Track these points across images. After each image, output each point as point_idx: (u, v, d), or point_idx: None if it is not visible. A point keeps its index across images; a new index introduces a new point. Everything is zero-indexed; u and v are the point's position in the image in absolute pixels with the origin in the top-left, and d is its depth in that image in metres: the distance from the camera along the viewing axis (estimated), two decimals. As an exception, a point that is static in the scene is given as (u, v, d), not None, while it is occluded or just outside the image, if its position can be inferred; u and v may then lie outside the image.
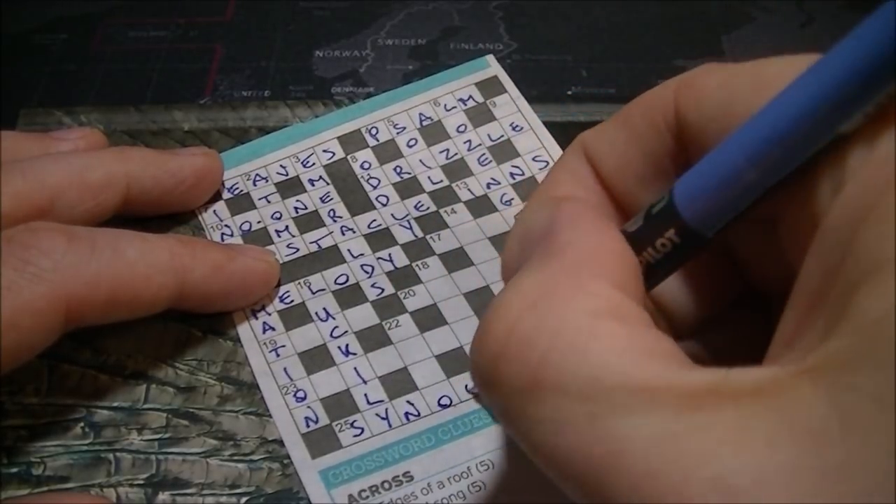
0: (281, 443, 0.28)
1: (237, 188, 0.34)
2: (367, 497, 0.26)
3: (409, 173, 0.34)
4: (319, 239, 0.33)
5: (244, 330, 0.30)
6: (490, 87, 0.36)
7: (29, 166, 0.28)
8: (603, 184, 0.22)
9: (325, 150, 0.35)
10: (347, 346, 0.30)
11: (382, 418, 0.28)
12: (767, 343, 0.18)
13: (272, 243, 0.32)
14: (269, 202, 0.34)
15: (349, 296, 0.31)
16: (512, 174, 0.34)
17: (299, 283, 0.31)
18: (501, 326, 0.18)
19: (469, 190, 0.34)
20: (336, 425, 0.28)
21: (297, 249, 0.32)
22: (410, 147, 0.35)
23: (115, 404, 0.29)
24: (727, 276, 0.23)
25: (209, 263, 0.28)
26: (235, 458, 0.28)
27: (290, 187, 0.34)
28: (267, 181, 0.34)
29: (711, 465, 0.14)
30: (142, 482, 0.27)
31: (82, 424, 0.28)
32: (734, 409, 0.15)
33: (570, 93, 0.38)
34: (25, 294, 0.24)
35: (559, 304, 0.17)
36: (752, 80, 0.19)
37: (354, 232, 0.33)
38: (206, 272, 0.28)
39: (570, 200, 0.21)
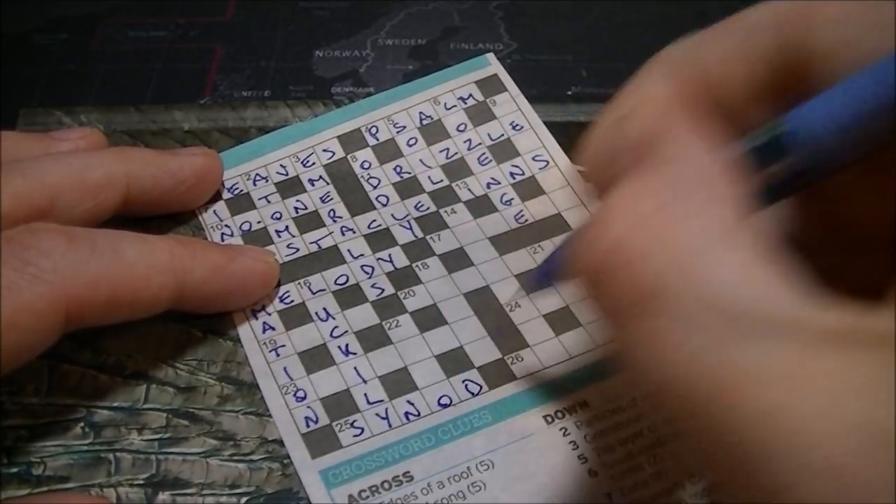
0: (281, 443, 0.28)
1: (237, 188, 0.34)
2: (368, 497, 0.26)
3: (409, 173, 0.34)
4: (319, 239, 0.33)
5: (244, 330, 0.30)
6: (490, 86, 0.36)
7: (29, 166, 0.28)
8: (699, 97, 0.21)
9: (325, 150, 0.35)
10: (347, 345, 0.30)
11: (382, 418, 0.28)
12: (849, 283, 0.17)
13: (272, 243, 0.32)
14: (269, 202, 0.34)
15: (349, 296, 0.31)
16: (512, 174, 0.34)
17: (299, 283, 0.31)
18: (607, 239, 0.18)
19: (469, 190, 0.34)
20: (336, 425, 0.28)
21: (297, 249, 0.32)
22: (410, 146, 0.35)
23: (115, 404, 0.29)
24: (819, 211, 0.22)
25: (209, 264, 0.28)
26: (235, 458, 0.28)
27: (289, 187, 0.34)
28: (267, 181, 0.34)
29: (851, 408, 0.14)
30: (142, 482, 0.27)
31: (82, 424, 0.28)
32: (875, 354, 0.15)
33: (570, 93, 0.38)
34: (25, 295, 0.24)
35: (674, 225, 0.17)
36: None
37: (354, 232, 0.33)
38: (205, 273, 0.28)
39: (673, 110, 0.20)
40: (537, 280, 0.29)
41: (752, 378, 0.15)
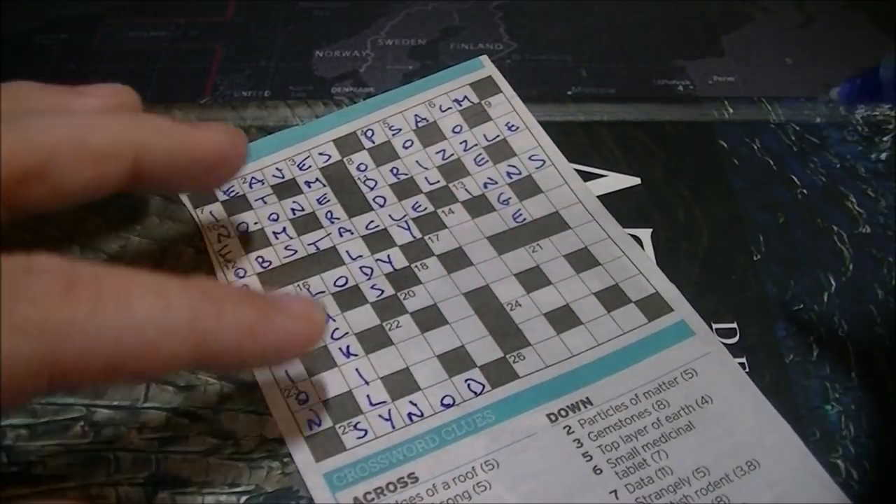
0: (281, 441, 0.28)
1: (233, 190, 0.34)
2: (373, 499, 0.26)
3: (406, 174, 0.34)
4: (317, 241, 0.32)
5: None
6: (485, 88, 0.37)
7: (25, 123, 0.25)
8: None
9: (320, 153, 0.35)
10: (348, 347, 0.30)
11: (385, 419, 0.28)
12: None
13: (270, 245, 0.32)
14: (265, 203, 0.33)
15: (349, 298, 0.31)
16: (508, 173, 0.34)
17: (298, 285, 0.31)
18: None
19: (466, 190, 0.34)
20: (339, 427, 0.28)
21: (295, 251, 0.32)
22: (406, 148, 0.35)
23: (115, 403, 0.29)
24: None
25: (239, 327, 0.23)
26: (235, 456, 0.28)
27: (286, 189, 0.34)
28: (263, 183, 0.34)
29: None
30: (141, 481, 0.27)
31: (82, 424, 0.28)
32: None
33: (570, 93, 0.38)
34: (3, 352, 0.20)
35: None
36: None
37: (352, 233, 0.33)
38: (232, 338, 0.23)
39: None
40: (860, 91, 0.26)
41: None
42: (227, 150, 0.28)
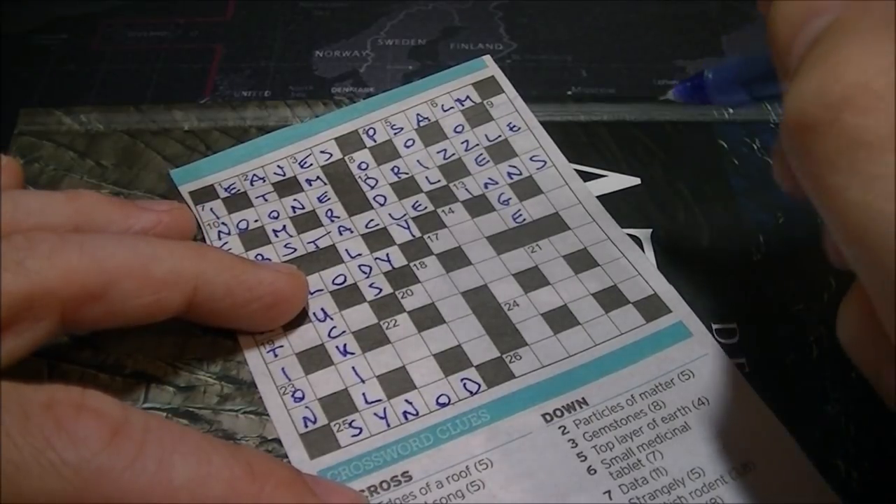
0: (280, 442, 0.28)
1: (234, 188, 0.34)
2: (366, 497, 0.26)
3: (407, 173, 0.34)
4: (317, 239, 0.33)
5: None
6: (487, 88, 0.37)
7: (90, 242, 0.26)
8: None
9: (322, 151, 0.35)
10: (345, 345, 0.30)
11: (381, 418, 0.28)
12: None
13: (269, 243, 0.32)
14: (266, 201, 0.34)
15: (347, 296, 0.31)
16: (509, 174, 0.34)
17: (298, 282, 0.31)
18: (853, 75, 0.18)
19: (467, 190, 0.34)
20: (334, 425, 0.28)
21: (295, 249, 0.32)
22: (408, 147, 0.35)
23: (114, 403, 0.29)
24: None
25: (282, 499, 0.23)
26: (233, 457, 0.28)
27: (287, 187, 0.34)
28: (264, 181, 0.34)
29: None
30: (140, 481, 0.27)
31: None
32: None
33: (570, 93, 0.38)
34: (31, 485, 0.20)
35: None
36: None
37: (352, 232, 0.33)
38: None
39: None
40: (690, 91, 0.29)
41: None
42: (285, 292, 0.29)
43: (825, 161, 0.19)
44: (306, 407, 0.28)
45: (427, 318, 0.30)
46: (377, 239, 0.32)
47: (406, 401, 0.28)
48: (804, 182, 0.20)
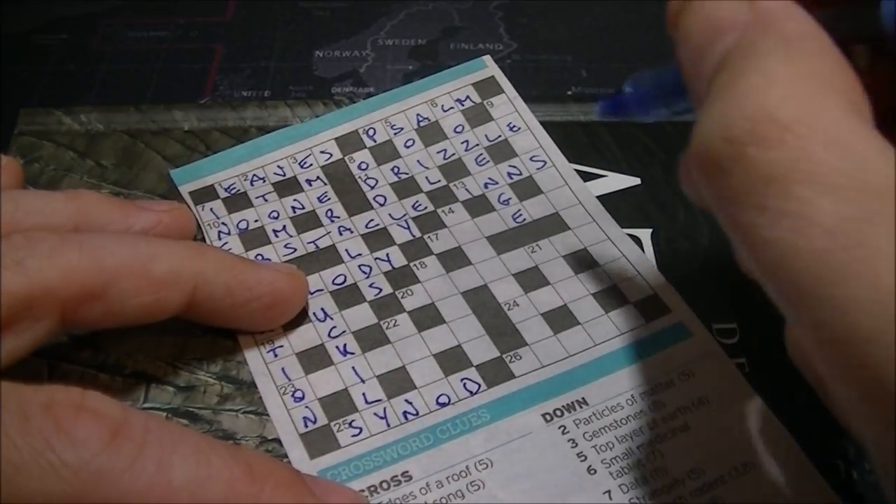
0: (280, 442, 0.28)
1: (234, 188, 0.34)
2: (366, 497, 0.26)
3: (407, 173, 0.34)
4: (317, 239, 0.33)
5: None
6: (487, 88, 0.37)
7: (89, 241, 0.26)
8: None
9: (322, 152, 0.35)
10: (345, 345, 0.30)
11: (381, 417, 0.28)
12: None
13: (269, 243, 0.32)
14: (266, 201, 0.34)
15: (347, 296, 0.31)
16: (509, 174, 0.34)
17: (298, 282, 0.31)
18: (755, 111, 0.18)
19: (467, 190, 0.34)
20: (334, 425, 0.28)
21: (295, 249, 0.32)
22: (408, 147, 0.35)
23: (114, 403, 0.29)
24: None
25: (282, 500, 0.23)
26: (233, 457, 0.28)
27: (287, 187, 0.34)
28: (264, 181, 0.34)
29: None
30: (140, 481, 0.27)
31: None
32: None
33: (570, 93, 0.38)
34: (31, 486, 0.21)
35: (819, 101, 0.18)
36: None
37: (352, 232, 0.33)
38: None
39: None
40: (610, 108, 0.28)
41: (871, 257, 0.16)
42: (285, 292, 0.29)
43: (735, 199, 0.18)
44: (306, 407, 0.28)
45: (427, 318, 0.30)
46: (377, 239, 0.32)
47: (406, 401, 0.28)
48: (718, 217, 0.19)
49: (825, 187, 0.17)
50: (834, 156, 0.17)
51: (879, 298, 0.16)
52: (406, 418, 0.28)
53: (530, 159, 0.35)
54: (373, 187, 0.34)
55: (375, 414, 0.28)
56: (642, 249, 0.32)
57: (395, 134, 0.35)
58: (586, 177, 0.34)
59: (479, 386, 0.29)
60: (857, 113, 0.18)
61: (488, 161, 0.35)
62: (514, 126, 0.35)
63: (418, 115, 0.36)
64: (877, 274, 0.16)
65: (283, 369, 0.29)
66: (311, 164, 0.35)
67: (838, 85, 0.18)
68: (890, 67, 0.21)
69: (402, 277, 0.31)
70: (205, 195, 0.34)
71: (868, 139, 0.17)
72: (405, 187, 0.34)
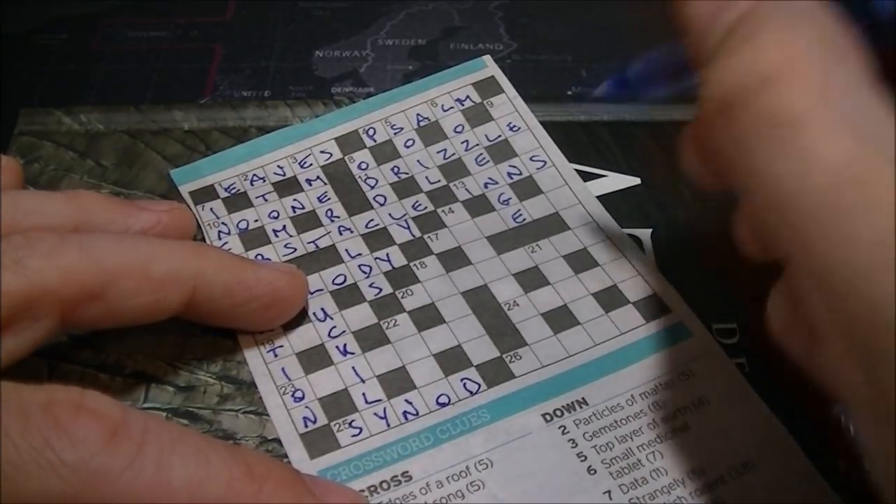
0: (280, 442, 0.28)
1: (234, 188, 0.34)
2: (366, 497, 0.26)
3: (407, 173, 0.34)
4: (317, 239, 0.33)
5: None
6: (487, 88, 0.37)
7: (89, 241, 0.26)
8: None
9: (322, 151, 0.35)
10: (345, 345, 0.30)
11: (381, 418, 0.28)
12: None
13: (269, 243, 0.32)
14: (266, 200, 0.34)
15: (347, 296, 0.31)
16: (510, 174, 0.34)
17: (298, 282, 0.31)
18: (776, 55, 0.19)
19: (467, 189, 0.34)
20: (334, 425, 0.28)
21: (295, 249, 0.32)
22: (408, 147, 0.35)
23: (114, 403, 0.29)
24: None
25: (281, 500, 0.23)
26: (233, 457, 0.28)
27: (287, 187, 0.34)
28: (264, 181, 0.34)
29: None
30: (140, 481, 0.27)
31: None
32: None
33: (570, 93, 0.38)
34: (30, 485, 0.21)
35: (831, 57, 0.19)
36: None
37: (352, 232, 0.33)
38: None
39: None
40: (616, 87, 0.29)
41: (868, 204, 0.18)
42: (285, 291, 0.29)
43: (749, 136, 0.20)
44: (306, 407, 0.28)
45: (427, 317, 0.30)
46: (377, 239, 0.32)
47: (406, 401, 0.28)
48: (726, 160, 0.21)
49: (835, 130, 0.19)
50: (843, 104, 0.19)
51: (879, 237, 0.17)
52: (406, 418, 0.28)
53: (530, 159, 0.35)
54: (373, 187, 0.34)
55: (375, 414, 0.28)
56: (642, 249, 0.32)
57: (395, 134, 0.35)
58: (586, 177, 0.34)
59: (479, 386, 0.29)
60: (861, 71, 0.20)
61: (488, 161, 0.35)
62: (514, 126, 0.35)
63: (418, 114, 0.36)
64: (878, 213, 0.18)
65: (283, 369, 0.29)
66: (311, 164, 0.35)
67: (845, 47, 0.20)
68: (881, 50, 0.22)
69: (402, 277, 0.31)
70: (205, 195, 0.34)
71: (872, 93, 0.19)
72: (405, 187, 0.34)
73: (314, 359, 0.29)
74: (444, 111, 0.36)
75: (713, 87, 0.20)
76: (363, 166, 0.35)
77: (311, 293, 0.31)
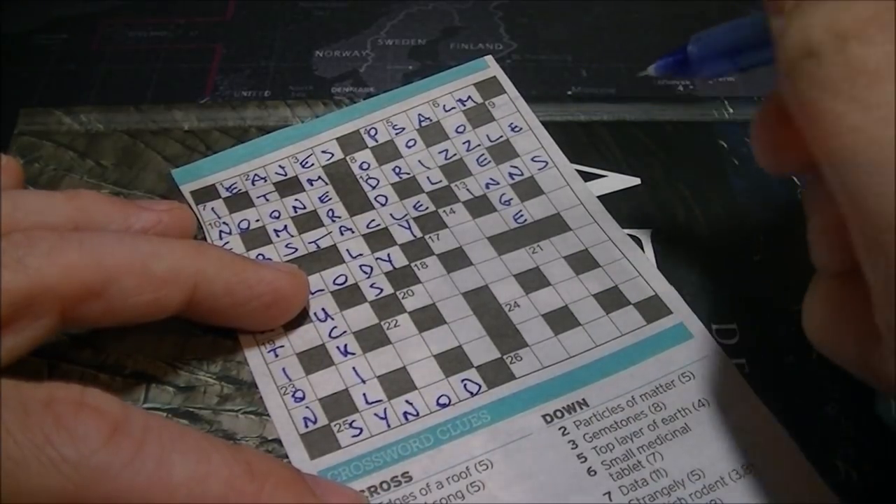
0: (280, 442, 0.28)
1: (235, 187, 0.34)
2: (366, 497, 0.26)
3: (408, 173, 0.34)
4: (318, 239, 0.33)
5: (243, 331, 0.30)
6: (489, 88, 0.37)
7: (89, 240, 0.26)
8: None
9: (323, 151, 0.35)
10: (346, 346, 0.30)
11: (381, 418, 0.28)
12: None
13: (271, 243, 0.32)
14: (267, 200, 0.34)
15: (348, 296, 0.31)
16: (511, 174, 0.34)
17: (298, 282, 0.31)
18: (861, 8, 0.19)
19: (468, 190, 0.34)
20: (335, 425, 0.28)
21: (296, 249, 0.32)
22: (409, 147, 0.35)
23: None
24: None
25: (282, 499, 0.23)
26: (234, 457, 0.28)
27: (288, 187, 0.34)
28: (266, 181, 0.34)
29: None
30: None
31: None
32: None
33: (570, 93, 0.38)
34: (31, 482, 0.21)
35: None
36: None
37: (353, 232, 0.33)
38: None
39: None
40: (674, 66, 0.29)
41: None
42: (285, 291, 0.29)
43: (827, 86, 0.20)
44: (307, 407, 0.28)
45: (428, 318, 0.30)
46: (378, 239, 0.32)
47: (406, 401, 0.28)
48: (801, 110, 0.21)
49: None
50: None
51: None
52: (406, 419, 0.28)
53: (532, 160, 0.35)
54: (374, 187, 0.34)
55: (376, 414, 0.28)
56: (642, 250, 0.32)
57: (397, 134, 0.35)
58: (586, 177, 0.34)
59: (480, 387, 0.29)
60: None
61: (490, 161, 0.35)
62: (516, 126, 0.35)
63: (420, 115, 0.36)
64: None
65: (283, 369, 0.29)
66: (312, 164, 0.35)
67: None
68: None
69: (402, 278, 0.31)
70: (206, 195, 0.34)
71: None
72: (406, 187, 0.34)
73: (315, 359, 0.29)
74: (446, 111, 0.36)
75: (796, 34, 0.20)
76: (364, 166, 0.35)
77: (312, 293, 0.31)
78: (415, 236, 0.33)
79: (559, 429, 0.28)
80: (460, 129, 0.35)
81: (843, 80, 0.19)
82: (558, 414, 0.28)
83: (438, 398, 0.28)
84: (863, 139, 0.19)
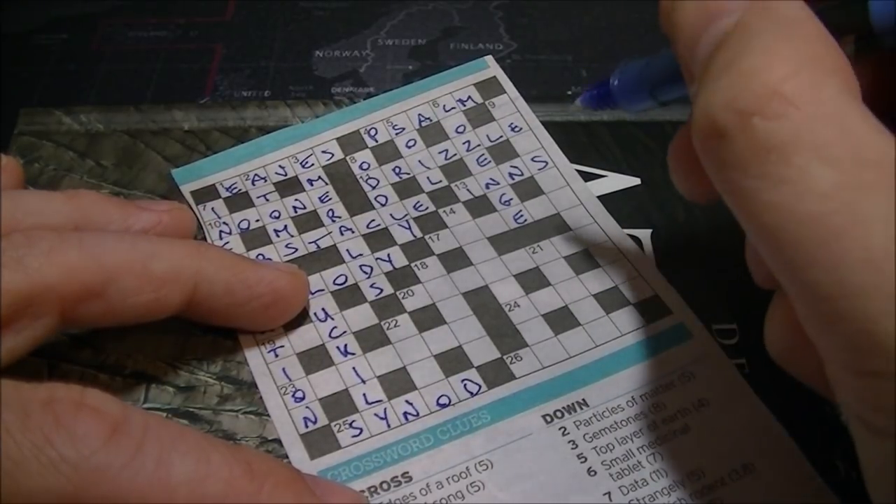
0: (280, 442, 0.28)
1: (235, 187, 0.34)
2: (366, 497, 0.26)
3: (408, 174, 0.34)
4: (318, 239, 0.33)
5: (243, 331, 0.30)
6: (489, 88, 0.37)
7: (89, 239, 0.26)
8: None
9: (323, 151, 0.35)
10: (346, 346, 0.30)
11: (381, 418, 0.28)
12: None
13: (271, 243, 0.32)
14: (267, 200, 0.34)
15: (348, 296, 0.31)
16: (511, 174, 0.34)
17: (298, 282, 0.31)
18: (761, 85, 0.19)
19: (468, 190, 0.34)
20: (335, 425, 0.28)
21: (296, 249, 0.32)
22: (409, 147, 0.35)
23: (114, 404, 0.29)
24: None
25: (282, 499, 0.23)
26: (234, 457, 0.28)
27: (288, 187, 0.34)
28: (266, 181, 0.34)
29: None
30: (140, 482, 0.27)
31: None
32: None
33: (570, 93, 0.38)
34: (31, 482, 0.21)
35: (818, 79, 0.19)
36: None
37: (353, 232, 0.33)
38: None
39: None
40: (597, 99, 0.29)
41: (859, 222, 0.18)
42: (285, 291, 0.29)
43: (737, 165, 0.20)
44: (307, 407, 0.28)
45: (428, 318, 0.30)
46: (378, 239, 0.32)
47: (406, 401, 0.28)
48: (718, 185, 0.21)
49: (822, 157, 0.18)
50: (831, 129, 0.19)
51: (869, 257, 0.18)
52: (406, 419, 0.28)
53: (532, 160, 0.35)
54: (374, 187, 0.34)
55: (376, 414, 0.28)
56: (642, 249, 0.32)
57: (397, 134, 0.35)
58: (586, 177, 0.34)
59: (480, 387, 0.29)
60: (850, 91, 0.19)
61: (490, 161, 0.35)
62: (516, 126, 0.35)
63: (420, 115, 0.36)
64: (867, 235, 0.18)
65: (283, 369, 0.29)
66: (312, 164, 0.35)
67: (834, 66, 0.20)
68: (875, 57, 0.23)
69: (402, 278, 0.31)
70: (206, 195, 0.34)
71: (861, 116, 0.19)
72: (406, 187, 0.34)
73: (315, 359, 0.29)
74: (446, 111, 0.36)
75: (701, 115, 0.20)
76: (364, 166, 0.35)
77: (312, 293, 0.31)
78: (415, 236, 0.33)
79: (559, 429, 0.28)
80: (460, 129, 0.35)
81: (752, 157, 0.19)
82: (558, 414, 0.28)
83: (438, 398, 0.28)
84: (779, 216, 0.19)
